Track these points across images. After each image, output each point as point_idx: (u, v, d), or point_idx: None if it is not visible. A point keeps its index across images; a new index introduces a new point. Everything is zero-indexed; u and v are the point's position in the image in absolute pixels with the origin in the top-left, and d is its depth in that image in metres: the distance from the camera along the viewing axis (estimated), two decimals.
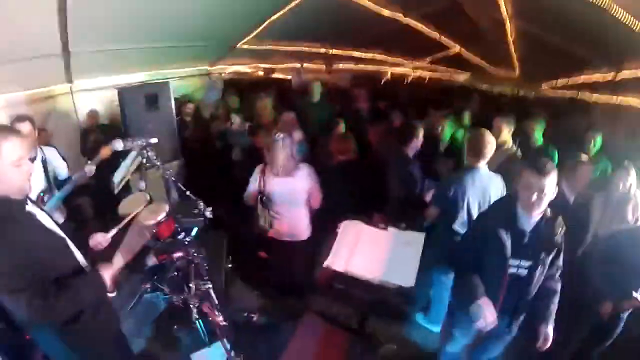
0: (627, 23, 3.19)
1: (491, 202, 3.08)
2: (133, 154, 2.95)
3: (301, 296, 3.99)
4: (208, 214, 2.56)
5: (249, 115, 5.58)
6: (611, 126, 4.83)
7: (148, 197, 2.80)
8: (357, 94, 6.45)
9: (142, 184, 2.92)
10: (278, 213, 3.57)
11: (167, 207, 2.52)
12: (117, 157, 3.08)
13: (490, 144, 3.23)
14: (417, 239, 2.88)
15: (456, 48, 8.12)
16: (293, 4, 4.75)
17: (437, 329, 3.65)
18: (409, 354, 3.51)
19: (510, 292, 2.44)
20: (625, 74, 4.49)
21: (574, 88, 6.22)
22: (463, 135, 4.88)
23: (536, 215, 2.32)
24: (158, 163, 2.71)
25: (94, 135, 5.31)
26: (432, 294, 3.76)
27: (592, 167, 3.70)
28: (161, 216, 2.45)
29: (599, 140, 4.23)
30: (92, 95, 5.92)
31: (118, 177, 3.16)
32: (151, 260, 3.49)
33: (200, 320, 2.89)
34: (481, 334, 2.58)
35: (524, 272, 2.41)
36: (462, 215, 3.27)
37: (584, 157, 4.04)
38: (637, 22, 3.15)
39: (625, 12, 3.13)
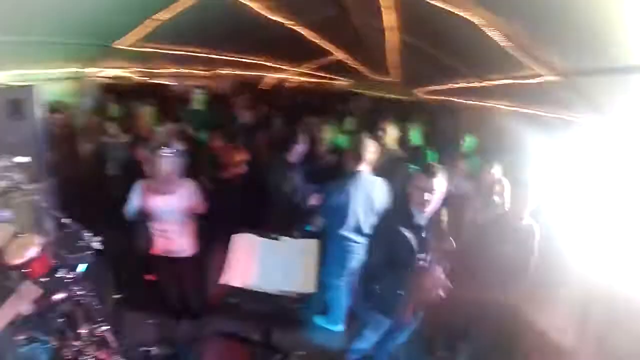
0: (495, 40, 3.56)
1: (375, 205, 3.34)
2: None
3: (197, 316, 3.78)
4: (96, 244, 2.22)
5: (127, 125, 5.07)
6: (480, 127, 5.43)
7: (12, 229, 2.34)
8: (239, 102, 6.29)
9: (6, 214, 2.43)
10: (162, 230, 3.36)
11: (38, 240, 2.12)
12: None
13: (371, 148, 3.39)
14: (311, 245, 2.88)
15: (338, 55, 8.44)
16: (177, 4, 4.40)
17: (338, 328, 3.81)
18: (318, 357, 3.55)
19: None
20: (491, 82, 5.06)
21: (447, 94, 6.90)
22: (345, 140, 5.03)
23: (429, 212, 2.56)
24: (29, 187, 2.25)
25: None
26: (328, 297, 3.82)
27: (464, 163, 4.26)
28: (32, 251, 2.05)
29: (469, 140, 4.77)
30: None
31: None
32: (24, 307, 2.90)
33: None
34: (394, 326, 2.81)
35: (426, 264, 2.61)
36: (350, 221, 3.37)
37: (458, 154, 4.49)
38: (501, 40, 3.54)
39: (494, 30, 3.50)
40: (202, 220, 3.62)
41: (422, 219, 2.59)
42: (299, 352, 3.42)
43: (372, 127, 4.44)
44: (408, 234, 2.55)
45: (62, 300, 2.33)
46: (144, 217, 3.29)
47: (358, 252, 3.46)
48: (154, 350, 3.35)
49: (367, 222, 3.38)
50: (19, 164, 2.28)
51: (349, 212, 3.35)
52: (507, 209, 3.38)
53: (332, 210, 3.39)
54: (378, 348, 3.16)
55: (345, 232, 3.42)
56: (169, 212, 3.31)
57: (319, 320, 3.92)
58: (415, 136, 5.01)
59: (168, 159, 3.14)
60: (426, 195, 2.48)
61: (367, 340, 3.03)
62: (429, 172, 2.49)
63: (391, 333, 2.95)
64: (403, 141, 4.82)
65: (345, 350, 3.31)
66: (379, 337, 2.99)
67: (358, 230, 3.45)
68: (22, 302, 1.75)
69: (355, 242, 3.47)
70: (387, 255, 2.60)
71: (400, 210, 2.68)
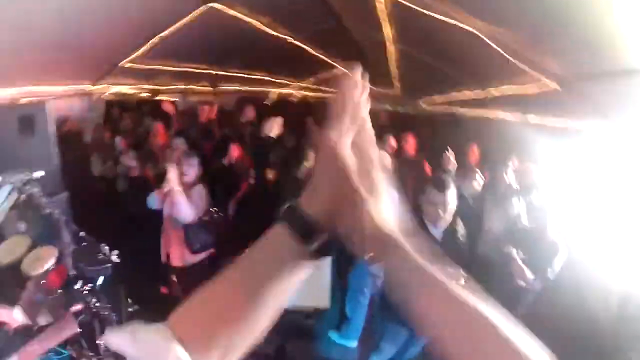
0: (495, 49, 3.55)
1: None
2: (7, 188, 2.44)
3: None
4: (115, 258, 2.24)
5: (134, 141, 5.12)
6: (485, 137, 5.37)
7: (29, 241, 2.35)
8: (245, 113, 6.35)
9: (22, 226, 2.44)
10: (176, 237, 3.59)
11: (55, 252, 2.13)
12: None
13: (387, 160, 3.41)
14: (324, 261, 2.84)
15: (339, 68, 8.46)
16: (180, 23, 4.47)
17: (353, 344, 3.72)
18: None
19: None
20: (493, 92, 5.03)
21: (450, 104, 6.88)
22: None
23: (443, 226, 2.49)
24: (43, 200, 2.28)
25: None
26: (348, 312, 3.76)
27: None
28: (50, 263, 2.06)
29: (476, 150, 4.71)
30: None
31: None
32: (43, 320, 2.92)
33: None
34: (412, 334, 2.70)
35: None
36: None
37: (470, 165, 4.42)
38: (502, 50, 3.53)
39: (493, 39, 3.49)
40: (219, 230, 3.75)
41: (437, 233, 2.56)
42: None
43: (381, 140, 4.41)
44: None
45: (79, 312, 2.33)
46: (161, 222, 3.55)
47: None
48: None
49: None
50: (34, 178, 2.30)
51: None
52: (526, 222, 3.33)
53: None
54: None
55: None
56: (181, 220, 3.49)
57: (334, 335, 3.86)
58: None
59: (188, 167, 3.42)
60: (439, 210, 2.46)
61: (385, 354, 2.97)
62: (441, 187, 2.46)
63: (408, 344, 2.90)
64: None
65: None
66: (397, 349, 2.93)
67: None
68: (61, 335, 1.76)
69: None
70: None
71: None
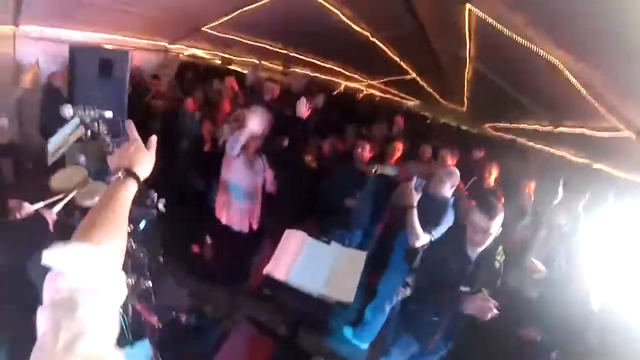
0: (574, 86, 3.42)
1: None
2: (75, 121, 2.49)
3: (233, 293, 3.91)
4: (161, 206, 2.37)
5: (204, 102, 5.34)
6: (544, 175, 5.14)
7: (86, 174, 2.53)
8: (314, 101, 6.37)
9: (82, 158, 2.63)
10: (228, 203, 3.68)
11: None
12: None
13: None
14: (359, 257, 2.88)
15: (412, 74, 8.38)
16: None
17: (365, 346, 3.77)
18: None
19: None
20: (562, 129, 4.84)
21: (513, 133, 6.67)
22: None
23: (480, 248, 2.48)
24: (108, 139, 2.41)
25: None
26: (369, 316, 3.80)
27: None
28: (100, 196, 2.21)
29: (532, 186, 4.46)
30: (37, 45, 5.16)
31: (53, 145, 2.78)
32: None
33: (124, 318, 2.64)
34: (422, 347, 2.77)
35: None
36: None
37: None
38: (581, 87, 3.39)
39: (574, 77, 3.36)
40: (268, 203, 3.83)
41: (473, 253, 2.54)
42: (318, 357, 3.45)
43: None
44: (457, 264, 2.53)
45: None
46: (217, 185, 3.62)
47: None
48: (184, 317, 3.49)
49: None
50: (104, 117, 2.42)
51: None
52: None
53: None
54: None
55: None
56: (245, 186, 3.60)
57: (348, 332, 3.90)
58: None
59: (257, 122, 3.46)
60: (481, 235, 2.43)
61: (393, 359, 2.99)
62: (488, 213, 2.40)
63: (418, 357, 2.90)
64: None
65: None
66: (405, 359, 2.94)
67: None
68: None
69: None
70: (431, 280, 2.60)
71: (454, 240, 2.64)
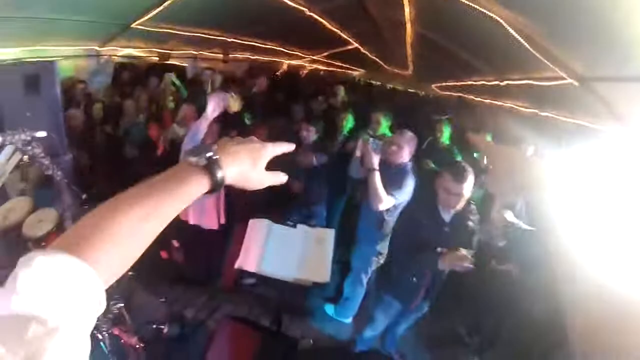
0: (516, 39, 3.46)
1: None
2: (9, 148, 2.35)
3: (211, 292, 3.85)
4: None
5: (144, 104, 5.07)
6: (495, 126, 5.30)
7: (31, 203, 2.35)
8: (258, 84, 6.23)
9: (24, 187, 2.43)
10: (196, 200, 3.48)
11: (55, 214, 2.13)
12: None
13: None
14: (327, 235, 2.85)
15: (354, 44, 8.32)
16: None
17: (349, 320, 3.83)
18: (326, 347, 3.58)
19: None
20: (508, 82, 4.95)
21: (461, 90, 6.79)
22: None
23: (454, 210, 2.57)
24: (46, 161, 2.24)
25: None
26: (347, 292, 3.82)
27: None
28: (50, 226, 2.05)
29: (488, 138, 4.59)
30: None
31: None
32: None
33: (103, 343, 2.51)
34: (404, 308, 2.90)
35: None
36: None
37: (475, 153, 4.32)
38: (523, 40, 3.44)
39: (515, 29, 3.40)
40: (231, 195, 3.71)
41: (447, 215, 2.60)
42: (306, 340, 3.50)
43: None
44: (432, 226, 2.60)
45: None
46: None
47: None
48: (165, 328, 3.38)
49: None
50: (37, 138, 2.23)
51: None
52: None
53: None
54: (386, 337, 3.24)
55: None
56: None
57: (329, 309, 3.93)
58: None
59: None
60: (453, 199, 2.49)
61: (378, 325, 3.07)
62: (459, 177, 2.44)
63: (400, 317, 3.03)
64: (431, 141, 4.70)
65: (354, 340, 3.41)
66: (389, 321, 3.04)
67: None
68: None
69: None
70: (407, 244, 2.66)
71: (426, 205, 2.70)
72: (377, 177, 2.94)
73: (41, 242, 2.02)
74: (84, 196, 2.35)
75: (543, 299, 2.79)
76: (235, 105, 4.33)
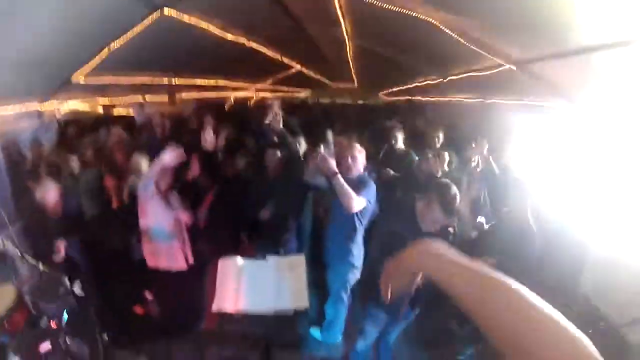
0: (451, 36, 3.64)
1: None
2: None
3: (195, 339, 3.65)
4: (77, 289, 2.09)
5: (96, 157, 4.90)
6: (450, 122, 5.49)
7: None
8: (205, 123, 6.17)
9: None
10: (155, 247, 3.45)
11: (13, 290, 1.99)
12: None
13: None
14: (298, 261, 2.83)
15: (297, 67, 8.47)
16: (131, 32, 4.30)
17: (338, 339, 3.75)
18: None
19: None
20: (451, 77, 5.17)
21: (408, 93, 7.02)
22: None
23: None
24: None
25: None
26: (330, 315, 3.75)
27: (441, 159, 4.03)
28: (8, 304, 1.92)
29: (441, 135, 4.73)
30: None
31: None
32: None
33: None
34: (392, 318, 2.89)
35: None
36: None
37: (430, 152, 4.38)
38: (457, 36, 3.63)
39: (448, 28, 3.58)
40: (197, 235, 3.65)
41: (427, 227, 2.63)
42: None
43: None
44: (411, 235, 2.52)
45: (50, 352, 2.16)
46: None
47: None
48: None
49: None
50: None
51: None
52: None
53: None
54: (379, 348, 3.21)
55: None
56: (162, 229, 3.37)
57: (315, 333, 3.84)
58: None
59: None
60: (437, 225, 2.57)
61: (369, 335, 3.03)
62: (449, 209, 2.54)
63: (390, 327, 3.02)
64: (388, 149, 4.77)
65: (348, 357, 3.31)
66: (379, 329, 3.01)
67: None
68: None
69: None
70: (385, 255, 2.62)
71: (403, 213, 2.74)
72: (341, 179, 2.93)
73: (2, 322, 1.84)
74: (40, 267, 2.21)
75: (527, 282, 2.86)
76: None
